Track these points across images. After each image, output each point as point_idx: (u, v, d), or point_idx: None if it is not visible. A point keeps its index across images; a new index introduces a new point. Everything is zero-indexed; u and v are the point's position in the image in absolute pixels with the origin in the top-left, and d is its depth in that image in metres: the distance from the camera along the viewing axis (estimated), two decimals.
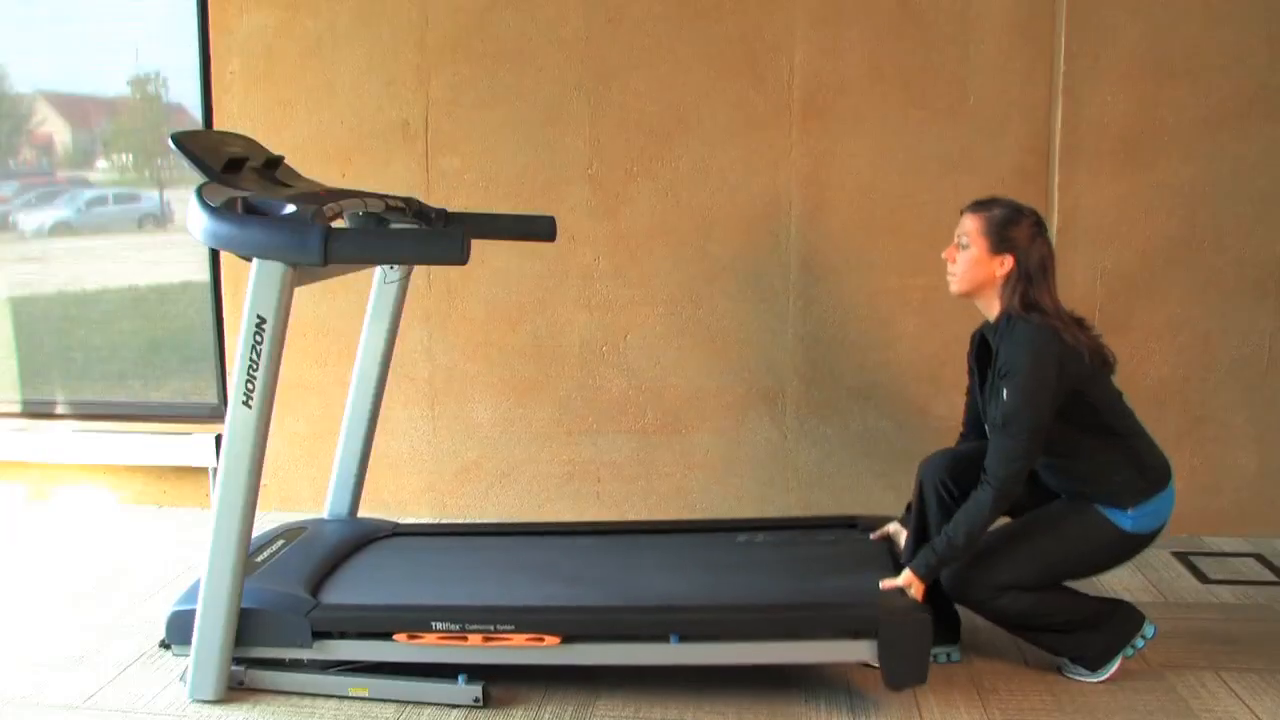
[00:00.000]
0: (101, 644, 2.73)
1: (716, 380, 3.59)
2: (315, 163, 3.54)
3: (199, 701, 2.41)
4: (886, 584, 2.40)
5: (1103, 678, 2.49)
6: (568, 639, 2.34)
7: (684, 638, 2.33)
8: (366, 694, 2.42)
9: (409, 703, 2.40)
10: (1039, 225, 2.39)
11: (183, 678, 2.48)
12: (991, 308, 2.42)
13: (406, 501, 3.75)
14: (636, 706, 2.41)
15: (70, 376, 4.00)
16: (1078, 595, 2.49)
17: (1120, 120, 3.34)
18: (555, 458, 3.68)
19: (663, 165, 3.49)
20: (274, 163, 2.65)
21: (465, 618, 2.35)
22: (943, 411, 3.51)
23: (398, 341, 3.02)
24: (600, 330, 3.60)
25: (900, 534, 2.71)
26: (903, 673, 2.30)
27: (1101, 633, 2.48)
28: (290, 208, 2.27)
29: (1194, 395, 3.45)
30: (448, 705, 2.39)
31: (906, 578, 2.37)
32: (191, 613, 2.40)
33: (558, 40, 3.48)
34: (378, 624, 2.40)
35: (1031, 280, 2.34)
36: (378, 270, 2.92)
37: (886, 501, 3.38)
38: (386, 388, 3.04)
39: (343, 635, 2.41)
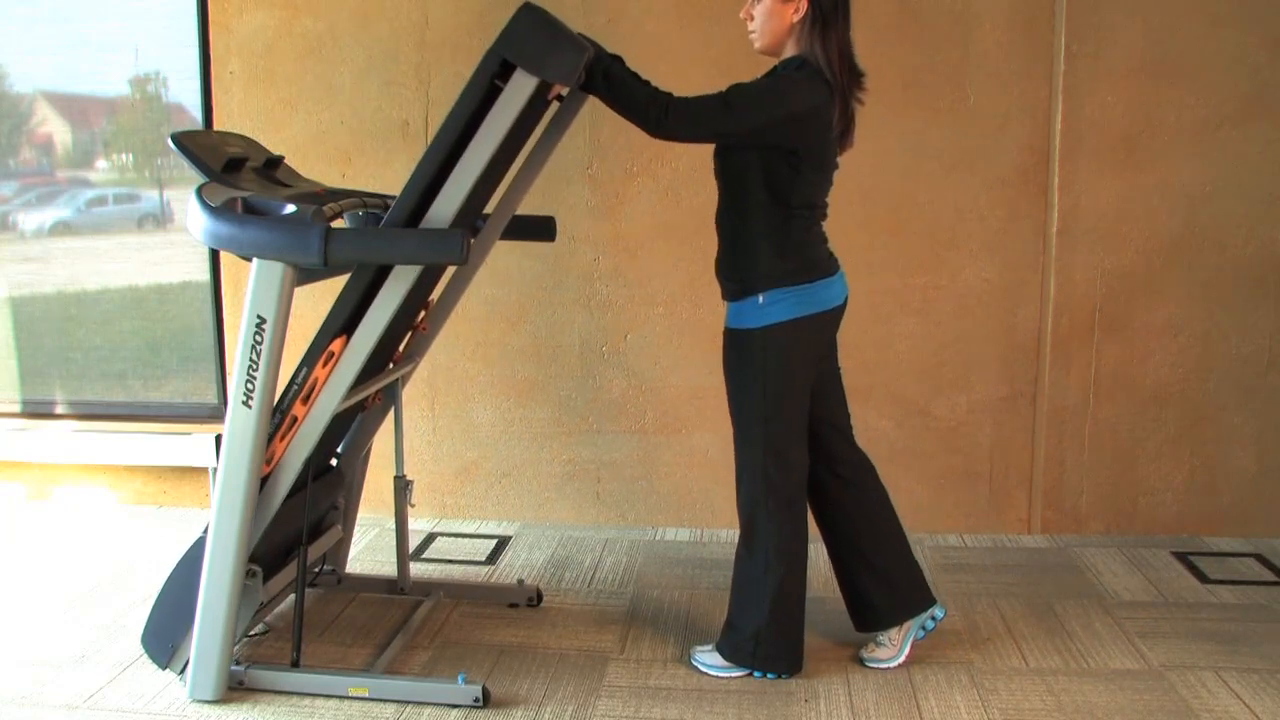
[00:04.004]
0: (101, 644, 2.73)
1: (716, 380, 3.56)
2: (315, 163, 3.55)
3: (199, 701, 2.41)
4: None
5: (899, 660, 2.59)
6: (347, 335, 2.36)
7: None
8: (367, 694, 2.43)
9: (409, 703, 2.41)
10: None
11: (182, 678, 2.48)
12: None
13: None
14: (636, 706, 2.41)
15: (70, 376, 3.99)
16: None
17: (1120, 120, 3.35)
18: (555, 458, 3.69)
19: (663, 165, 3.49)
20: (274, 163, 2.65)
21: (280, 409, 2.40)
22: (942, 411, 3.52)
23: None
24: (600, 330, 3.60)
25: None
26: (533, 55, 2.17)
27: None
28: (290, 208, 2.27)
29: (1194, 395, 3.45)
30: (448, 705, 2.40)
31: None
32: (156, 628, 2.54)
33: None
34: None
35: (828, 22, 2.32)
36: None
37: None
38: None
39: None
